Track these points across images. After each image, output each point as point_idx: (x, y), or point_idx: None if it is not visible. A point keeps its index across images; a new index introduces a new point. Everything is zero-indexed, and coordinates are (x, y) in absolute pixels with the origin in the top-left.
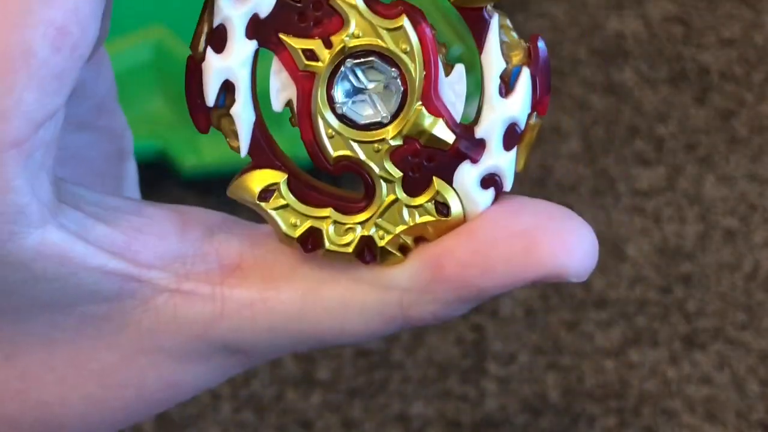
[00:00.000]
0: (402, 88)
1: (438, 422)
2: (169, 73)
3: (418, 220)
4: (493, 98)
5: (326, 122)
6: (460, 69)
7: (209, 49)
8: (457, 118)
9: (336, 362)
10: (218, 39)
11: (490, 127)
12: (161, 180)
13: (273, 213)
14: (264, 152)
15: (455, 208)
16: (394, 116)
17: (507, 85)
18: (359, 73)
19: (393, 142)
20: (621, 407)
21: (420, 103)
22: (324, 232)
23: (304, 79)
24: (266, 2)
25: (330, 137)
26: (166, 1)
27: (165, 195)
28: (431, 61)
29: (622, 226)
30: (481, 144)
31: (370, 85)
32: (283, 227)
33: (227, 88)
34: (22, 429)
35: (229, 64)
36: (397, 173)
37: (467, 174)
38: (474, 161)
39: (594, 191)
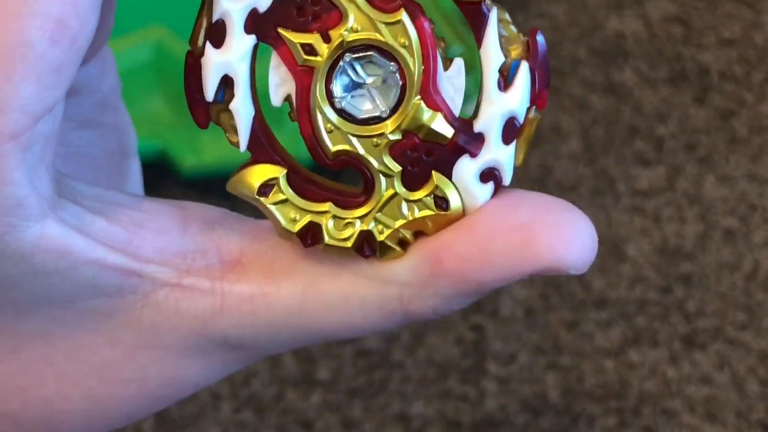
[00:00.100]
0: (401, 83)
1: (438, 422)
2: (169, 73)
3: (417, 214)
4: (491, 92)
5: (325, 117)
6: (459, 63)
7: (208, 44)
8: (456, 112)
9: (336, 362)
10: (217, 34)
11: (489, 121)
12: (161, 180)
13: (272, 208)
14: (263, 147)
15: (454, 202)
16: (393, 110)
17: (506, 79)
18: (358, 68)
19: (392, 137)
20: (621, 407)
21: (419, 97)
22: (323, 227)
23: (302, 74)
24: None
25: (329, 132)
26: (166, 1)
27: (165, 195)
28: (430, 55)
29: (622, 226)
30: (480, 138)
31: (369, 80)
32: (283, 222)
33: (226, 83)
34: (24, 426)
35: (228, 58)
36: (396, 167)
37: (466, 168)
38: (473, 155)
39: (594, 191)
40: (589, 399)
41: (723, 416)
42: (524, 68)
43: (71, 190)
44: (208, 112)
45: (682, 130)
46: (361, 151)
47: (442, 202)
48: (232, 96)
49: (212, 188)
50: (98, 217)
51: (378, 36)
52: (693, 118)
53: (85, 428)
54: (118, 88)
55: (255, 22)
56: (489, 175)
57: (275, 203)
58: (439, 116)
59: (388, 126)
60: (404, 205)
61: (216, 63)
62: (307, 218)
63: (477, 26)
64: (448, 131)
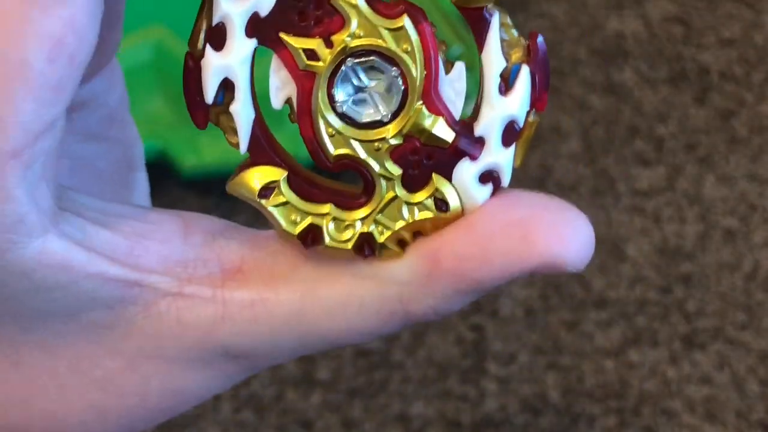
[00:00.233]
0: (402, 87)
1: (438, 422)
2: (169, 73)
3: (417, 216)
4: (492, 96)
5: (327, 121)
6: (460, 66)
7: (208, 47)
8: (457, 116)
9: (336, 362)
10: (217, 37)
11: (490, 125)
12: (161, 180)
13: (273, 210)
14: (263, 149)
15: (453, 204)
16: (395, 115)
17: (506, 83)
18: (360, 73)
19: (393, 141)
20: (621, 407)
21: (420, 102)
22: (324, 229)
23: (304, 78)
24: (266, 0)
25: (330, 136)
26: (166, 1)
27: (165, 195)
28: (432, 61)
29: (622, 226)
30: (480, 141)
31: (371, 84)
32: (283, 224)
33: (226, 86)
34: None
35: (229, 62)
36: (397, 171)
37: (466, 171)
38: (473, 158)
39: (594, 191)
40: (589, 399)
41: (723, 416)
42: (525, 72)
43: (73, 203)
44: (207, 114)
45: (682, 130)
46: (363, 155)
47: (442, 204)
48: (231, 98)
49: (212, 188)
50: (100, 227)
51: (380, 42)
52: (693, 118)
53: None
54: (125, 101)
55: (256, 26)
56: (488, 176)
57: (276, 205)
58: (441, 121)
59: (390, 130)
60: (404, 208)
61: (216, 66)
62: (308, 220)
63: (479, 31)
64: (449, 136)
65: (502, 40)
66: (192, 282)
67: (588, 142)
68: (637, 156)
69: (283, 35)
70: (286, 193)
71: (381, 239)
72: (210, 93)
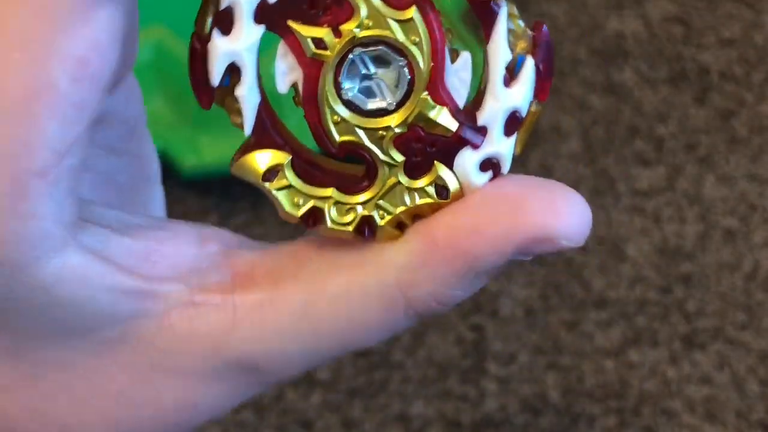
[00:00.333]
0: (408, 77)
1: (438, 422)
2: (169, 73)
3: (418, 201)
4: (497, 88)
5: (332, 109)
6: (465, 56)
7: (215, 31)
8: (461, 105)
9: (336, 362)
10: (225, 21)
11: (493, 116)
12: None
13: (276, 193)
14: (268, 132)
15: (453, 189)
16: (400, 104)
17: (511, 74)
18: (367, 61)
19: (398, 130)
20: (621, 407)
21: (426, 92)
22: (326, 212)
23: (310, 65)
24: None
25: (336, 123)
26: (166, 1)
27: (165, 195)
28: (438, 52)
29: (622, 226)
30: (482, 131)
31: (378, 73)
32: (286, 207)
33: (232, 69)
34: None
35: (237, 47)
36: (400, 158)
37: (468, 158)
38: (475, 147)
39: (594, 191)
40: (589, 399)
41: (723, 416)
42: (530, 64)
43: (92, 213)
44: (212, 95)
45: (682, 130)
46: (367, 142)
47: (442, 190)
48: (237, 81)
49: (212, 188)
50: (119, 235)
51: (389, 33)
52: (693, 118)
53: None
54: (143, 116)
55: (264, 12)
56: (489, 164)
57: (279, 189)
58: (445, 111)
59: (395, 119)
60: (406, 193)
61: (224, 51)
62: (311, 203)
63: (486, 22)
64: (453, 125)
65: (509, 31)
66: (203, 289)
67: (588, 142)
68: (637, 156)
69: (291, 23)
70: (290, 177)
71: (381, 223)
72: (216, 76)
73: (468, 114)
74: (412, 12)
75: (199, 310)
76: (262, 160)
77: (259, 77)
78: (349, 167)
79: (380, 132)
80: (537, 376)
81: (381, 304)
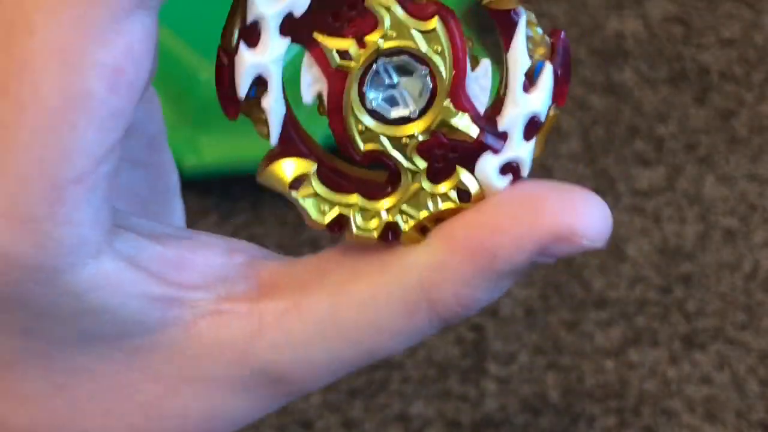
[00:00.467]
0: (431, 85)
1: (438, 422)
2: (169, 73)
3: (441, 206)
4: (517, 94)
5: (357, 118)
6: (486, 64)
7: (242, 44)
8: (482, 111)
9: None
10: (252, 35)
11: (513, 121)
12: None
13: (303, 201)
14: (293, 142)
15: (475, 193)
16: (422, 112)
17: (530, 80)
18: (391, 71)
19: (420, 137)
20: (621, 407)
21: (448, 99)
22: (351, 219)
23: (335, 76)
24: (301, 1)
25: (360, 132)
26: (167, 1)
27: None
28: (460, 60)
29: (622, 226)
30: (503, 136)
31: (401, 82)
32: (313, 214)
33: (258, 81)
34: None
35: (263, 60)
36: (423, 164)
37: (489, 163)
38: (496, 152)
39: (594, 191)
40: (589, 399)
41: (723, 416)
42: (548, 70)
43: (125, 220)
44: (239, 107)
45: (682, 130)
46: (391, 150)
47: (464, 195)
48: (263, 92)
49: (212, 188)
50: (149, 241)
51: (412, 44)
52: (693, 118)
53: None
54: (163, 129)
55: (290, 25)
56: (509, 168)
57: (306, 197)
58: (467, 117)
59: (418, 126)
60: (429, 199)
61: (251, 63)
62: (336, 211)
63: (506, 30)
64: (474, 131)
65: (527, 38)
66: (230, 298)
67: (588, 142)
68: (637, 156)
69: (317, 35)
70: (316, 185)
71: (405, 228)
72: (243, 89)
73: (488, 120)
74: (435, 22)
75: (226, 318)
76: (288, 169)
77: (284, 88)
78: (372, 174)
79: (404, 139)
80: (537, 376)
81: (405, 308)
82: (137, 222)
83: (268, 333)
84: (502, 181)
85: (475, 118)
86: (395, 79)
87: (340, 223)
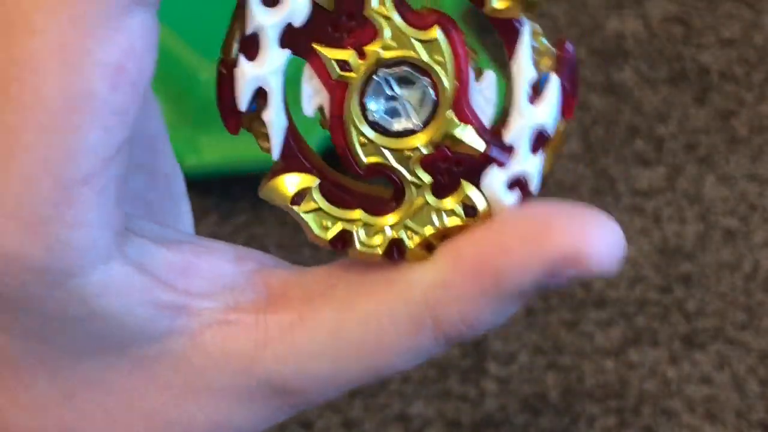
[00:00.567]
0: (434, 97)
1: (438, 422)
2: (169, 73)
3: (447, 222)
4: (522, 105)
5: (359, 131)
6: (490, 75)
7: (242, 56)
8: (487, 124)
9: None
10: (251, 47)
11: (519, 134)
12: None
13: (305, 216)
14: (295, 156)
15: (482, 209)
16: (426, 124)
17: (536, 92)
18: (392, 82)
19: (424, 150)
20: (621, 407)
21: (451, 111)
22: (354, 235)
23: (336, 87)
24: (300, 12)
25: (362, 145)
26: (167, 1)
27: None
28: (462, 71)
29: (622, 226)
30: (509, 149)
31: (403, 94)
32: (315, 230)
33: (259, 94)
34: None
35: (263, 72)
36: (427, 178)
37: (495, 177)
38: (501, 165)
39: (594, 191)
40: (589, 399)
41: (723, 416)
42: (554, 82)
43: (134, 224)
44: (240, 121)
45: (682, 130)
46: (394, 163)
47: (470, 210)
48: (264, 105)
49: (212, 188)
50: (156, 246)
51: (412, 53)
52: (693, 118)
53: None
54: (164, 132)
55: (289, 37)
56: (516, 183)
57: (308, 212)
58: (471, 129)
59: (421, 139)
60: (433, 214)
61: (251, 76)
62: (339, 226)
63: (509, 40)
64: (479, 144)
65: (533, 48)
66: (237, 308)
67: (588, 142)
68: (637, 156)
69: (316, 46)
70: (318, 200)
71: (410, 245)
72: (244, 101)
73: (494, 133)
74: (436, 32)
75: (232, 328)
76: (290, 183)
77: (286, 101)
78: (376, 189)
79: (407, 152)
80: (537, 376)
81: (409, 326)
82: (145, 226)
83: (273, 345)
84: (510, 197)
85: (480, 131)
86: (396, 90)
87: (344, 239)
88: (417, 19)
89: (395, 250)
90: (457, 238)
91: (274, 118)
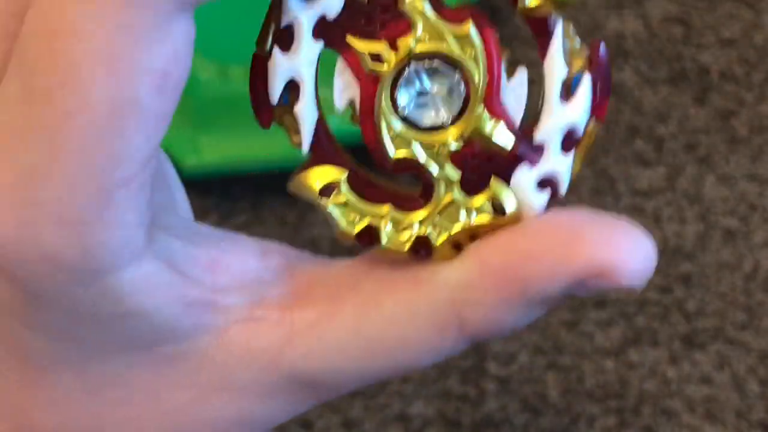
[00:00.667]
0: (464, 92)
1: (438, 422)
2: None
3: (475, 219)
4: (554, 104)
5: (389, 124)
6: (522, 73)
7: (276, 48)
8: (517, 122)
9: None
10: (286, 38)
11: (550, 132)
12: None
13: (332, 209)
14: (325, 149)
15: (511, 209)
16: (456, 119)
17: (568, 91)
18: (423, 76)
19: (453, 145)
20: (621, 407)
21: (482, 106)
22: (381, 230)
23: (367, 81)
24: (334, 4)
25: (392, 139)
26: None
27: None
28: (494, 67)
29: None
30: (539, 148)
31: (434, 88)
32: (342, 224)
33: (291, 87)
34: None
35: (296, 63)
36: (456, 174)
37: (525, 176)
38: (532, 164)
39: (594, 191)
40: (589, 399)
41: (723, 416)
42: (586, 81)
43: (160, 219)
44: (272, 114)
45: (682, 130)
46: (423, 158)
47: (500, 208)
48: (296, 98)
49: (212, 188)
50: (183, 242)
51: (445, 47)
52: (693, 118)
53: None
54: None
55: (323, 29)
56: (546, 182)
57: (336, 205)
58: (501, 125)
59: (451, 134)
60: (462, 211)
61: (284, 67)
62: (366, 221)
63: (542, 39)
64: (509, 141)
65: (565, 48)
66: (262, 304)
67: None
68: (637, 156)
69: (349, 38)
70: (346, 193)
71: (438, 242)
72: (276, 93)
73: (525, 131)
74: (469, 27)
75: (257, 326)
76: (318, 176)
77: (317, 94)
78: (404, 187)
79: (436, 147)
80: (537, 376)
81: (433, 324)
82: (170, 220)
83: (298, 341)
84: (540, 197)
85: (511, 128)
86: (427, 84)
87: (370, 234)
88: (450, 14)
89: (422, 248)
90: (485, 240)
91: (306, 111)
